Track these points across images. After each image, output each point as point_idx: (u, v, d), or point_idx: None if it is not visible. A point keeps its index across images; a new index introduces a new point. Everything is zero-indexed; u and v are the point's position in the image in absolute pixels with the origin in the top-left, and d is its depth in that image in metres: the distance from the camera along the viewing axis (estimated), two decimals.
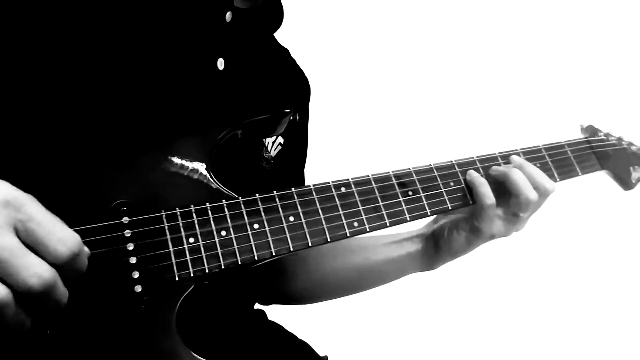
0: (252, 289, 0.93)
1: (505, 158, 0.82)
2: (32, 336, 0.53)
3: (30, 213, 0.47)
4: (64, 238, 0.48)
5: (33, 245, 0.47)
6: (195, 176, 0.65)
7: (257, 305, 0.90)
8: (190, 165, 0.65)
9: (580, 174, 0.88)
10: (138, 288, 0.58)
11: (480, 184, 0.76)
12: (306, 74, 0.95)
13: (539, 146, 0.85)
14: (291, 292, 0.94)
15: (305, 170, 0.97)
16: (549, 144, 0.86)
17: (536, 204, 0.78)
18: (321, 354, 0.87)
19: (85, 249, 0.51)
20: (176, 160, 0.65)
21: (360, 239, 0.85)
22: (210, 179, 0.65)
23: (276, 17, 0.86)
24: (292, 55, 0.94)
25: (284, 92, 0.87)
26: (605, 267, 1.73)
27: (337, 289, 0.94)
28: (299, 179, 0.96)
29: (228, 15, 0.75)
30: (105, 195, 0.61)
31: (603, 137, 0.94)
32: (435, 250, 0.85)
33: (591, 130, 0.95)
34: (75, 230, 0.50)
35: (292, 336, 0.88)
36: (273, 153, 0.82)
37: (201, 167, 0.66)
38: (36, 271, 0.46)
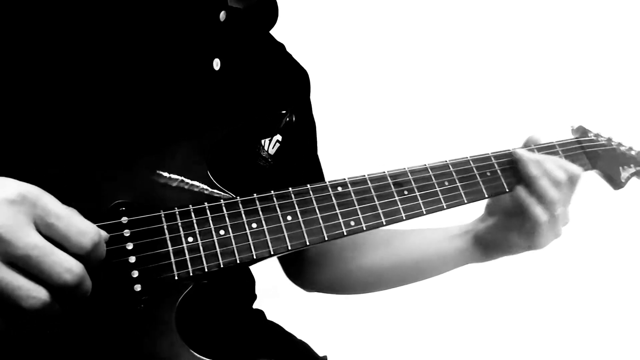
0: (296, 276, 0.96)
1: (499, 158, 0.83)
2: (32, 336, 0.53)
3: (47, 207, 0.48)
4: (83, 229, 0.49)
5: (55, 239, 0.48)
6: (194, 176, 0.65)
7: (256, 305, 0.90)
8: (188, 165, 0.66)
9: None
10: (137, 287, 0.59)
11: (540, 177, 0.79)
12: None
13: (531, 146, 0.87)
14: (330, 282, 0.96)
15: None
16: (541, 144, 0.88)
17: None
18: (320, 354, 0.88)
19: (103, 233, 0.53)
20: (174, 161, 0.65)
21: (405, 232, 0.89)
22: (209, 179, 0.66)
23: (271, 15, 0.87)
24: (288, 51, 0.94)
25: (281, 90, 0.87)
26: (600, 266, 1.75)
27: (378, 282, 0.96)
28: (314, 167, 0.96)
29: (222, 15, 0.75)
30: (104, 195, 0.61)
31: (593, 137, 0.96)
32: (484, 248, 0.87)
33: (581, 131, 0.97)
34: None
35: (291, 336, 0.88)
36: (272, 151, 0.82)
37: (199, 167, 0.66)
38: (68, 267, 0.48)
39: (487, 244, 0.87)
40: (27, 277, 0.46)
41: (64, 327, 0.55)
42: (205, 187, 0.65)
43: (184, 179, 0.65)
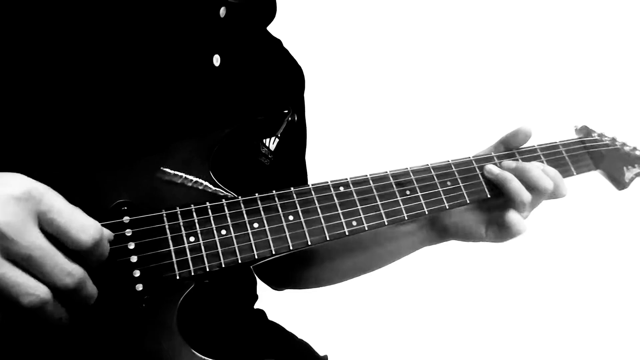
0: (266, 276, 0.95)
1: (501, 158, 0.82)
2: (32, 336, 0.54)
3: (50, 203, 0.48)
4: (85, 226, 0.50)
5: (55, 234, 0.48)
6: (196, 176, 0.66)
7: (257, 305, 0.90)
8: (190, 165, 0.66)
9: (575, 173, 0.89)
10: (139, 287, 0.59)
11: (510, 179, 0.76)
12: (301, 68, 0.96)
13: (534, 146, 0.86)
14: (305, 277, 0.96)
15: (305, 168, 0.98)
16: (544, 144, 0.87)
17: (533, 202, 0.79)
18: (321, 354, 0.88)
19: (107, 232, 0.53)
20: (176, 160, 0.65)
21: None
22: (211, 178, 0.66)
23: (269, 10, 0.87)
24: (285, 46, 0.94)
25: (280, 86, 0.88)
26: (600, 267, 1.75)
27: (347, 272, 0.96)
28: (300, 169, 0.97)
29: (222, 11, 0.75)
30: (106, 195, 0.61)
31: (597, 137, 0.95)
32: (439, 232, 0.86)
33: (585, 131, 0.96)
34: None
35: (291, 336, 0.88)
36: (272, 147, 0.82)
37: (201, 167, 0.66)
38: (69, 270, 0.48)
39: (446, 229, 0.85)
40: (29, 275, 0.47)
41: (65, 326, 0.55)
42: (208, 184, 0.65)
43: (187, 176, 0.65)
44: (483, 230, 0.82)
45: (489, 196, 0.80)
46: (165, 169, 0.64)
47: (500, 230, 0.79)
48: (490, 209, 0.81)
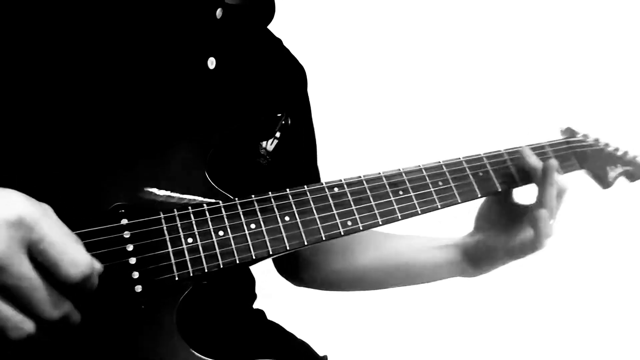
0: (287, 270, 0.97)
1: (491, 159, 0.84)
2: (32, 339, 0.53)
3: (43, 233, 0.47)
4: (75, 260, 0.49)
5: (45, 265, 0.48)
6: (193, 179, 0.66)
7: (256, 305, 0.90)
8: (187, 168, 0.66)
9: (561, 173, 0.91)
10: (138, 288, 0.59)
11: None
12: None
13: (522, 147, 0.89)
14: (319, 279, 0.98)
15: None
16: (531, 145, 0.89)
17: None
18: (321, 354, 0.88)
19: (97, 266, 0.52)
20: (173, 163, 0.66)
21: (395, 237, 0.90)
22: (207, 181, 0.66)
23: (268, 10, 0.86)
24: (286, 45, 0.94)
25: (278, 88, 0.87)
26: (590, 265, 1.77)
27: (364, 282, 0.97)
28: (311, 168, 0.97)
29: (219, 12, 0.75)
30: (103, 197, 0.61)
31: (581, 137, 0.98)
32: (473, 263, 0.90)
33: (570, 132, 0.99)
34: (75, 234, 0.51)
35: (291, 336, 0.88)
36: (270, 147, 0.82)
37: (198, 170, 0.66)
38: (54, 302, 0.48)
39: (476, 257, 0.89)
40: (16, 306, 0.46)
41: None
42: (192, 197, 0.65)
43: (170, 194, 0.65)
44: (506, 248, 0.84)
45: (479, 196, 0.82)
46: (162, 172, 0.65)
47: (532, 240, 0.81)
48: (513, 224, 0.84)
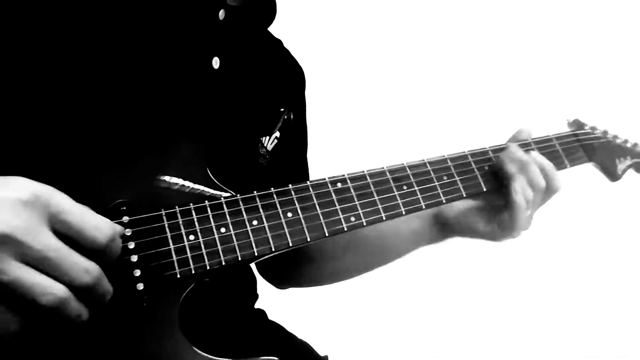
0: (268, 274, 0.96)
1: (496, 152, 0.83)
2: (33, 335, 0.53)
3: (60, 205, 0.48)
4: (98, 224, 0.50)
5: (69, 235, 0.48)
6: (194, 175, 0.66)
7: (257, 305, 0.90)
8: (189, 165, 0.66)
9: (568, 166, 0.90)
10: (140, 286, 0.59)
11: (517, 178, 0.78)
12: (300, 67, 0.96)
13: (528, 140, 0.87)
14: (307, 275, 0.97)
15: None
16: (537, 138, 0.88)
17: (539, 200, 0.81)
18: (321, 354, 0.87)
19: (119, 228, 0.53)
20: (175, 160, 0.66)
21: None
22: (209, 177, 0.66)
23: (269, 11, 0.87)
24: (286, 46, 0.94)
25: (279, 87, 0.88)
26: (597, 259, 1.76)
27: (350, 270, 0.97)
28: (301, 168, 0.97)
29: (221, 13, 0.75)
30: (105, 195, 0.61)
31: (589, 130, 0.96)
32: (442, 229, 0.88)
33: (577, 124, 0.98)
34: None
35: (292, 336, 0.88)
36: (269, 147, 0.82)
37: (200, 166, 0.66)
38: (85, 267, 0.48)
39: (449, 226, 0.87)
40: (45, 275, 0.47)
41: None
42: (205, 188, 0.65)
43: (184, 183, 0.65)
44: (482, 227, 0.83)
45: (484, 189, 0.81)
46: (163, 169, 0.64)
47: (500, 228, 0.81)
48: (493, 207, 0.83)
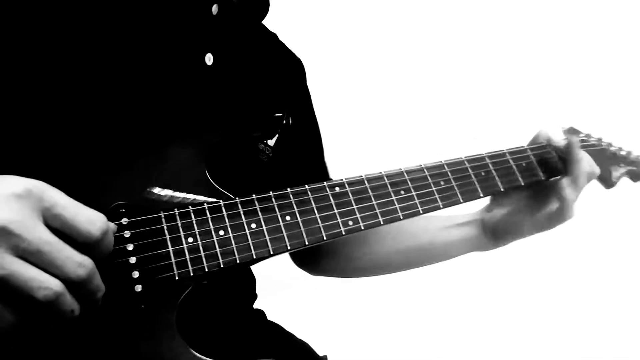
0: (306, 263, 0.99)
1: (493, 158, 0.84)
2: (32, 336, 0.53)
3: (53, 199, 0.48)
4: (91, 218, 0.50)
5: (62, 229, 0.48)
6: (193, 178, 0.66)
7: (256, 305, 0.90)
8: (187, 167, 0.66)
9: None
10: (138, 288, 0.59)
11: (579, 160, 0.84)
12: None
13: (524, 147, 0.88)
14: (338, 267, 0.99)
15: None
16: (534, 145, 0.89)
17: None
18: (320, 354, 0.87)
19: (111, 224, 0.53)
20: (173, 162, 0.66)
21: (412, 219, 0.88)
22: (208, 180, 0.66)
23: (262, 5, 0.86)
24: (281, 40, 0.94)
25: (276, 83, 0.87)
26: (593, 264, 1.77)
27: (383, 267, 0.99)
28: (317, 164, 0.96)
29: (214, 8, 0.74)
30: (104, 197, 0.61)
31: (584, 137, 0.97)
32: (493, 236, 0.91)
33: (572, 131, 0.98)
34: None
35: (291, 336, 0.88)
36: (271, 142, 0.82)
37: (198, 169, 0.66)
38: (79, 261, 0.48)
39: (497, 231, 0.90)
40: (40, 270, 0.46)
41: (64, 327, 0.55)
42: (197, 197, 0.65)
43: (174, 194, 0.65)
44: (529, 223, 0.86)
45: (482, 196, 0.81)
46: (162, 172, 0.64)
47: (548, 220, 0.85)
48: (536, 202, 0.86)
